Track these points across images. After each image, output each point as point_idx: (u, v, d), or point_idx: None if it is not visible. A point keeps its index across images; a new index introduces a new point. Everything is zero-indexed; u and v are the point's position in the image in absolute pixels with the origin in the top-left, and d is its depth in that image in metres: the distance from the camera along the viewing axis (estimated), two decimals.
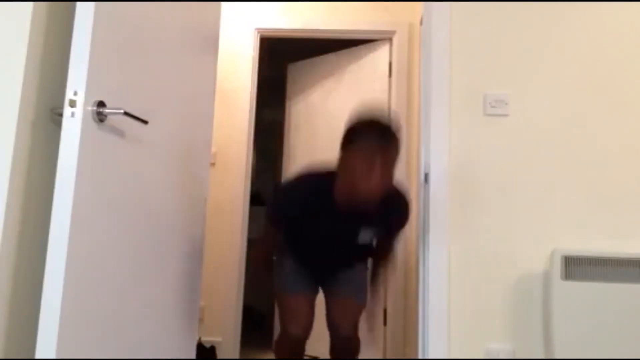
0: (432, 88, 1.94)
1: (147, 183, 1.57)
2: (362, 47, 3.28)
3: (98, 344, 1.33)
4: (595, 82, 1.94)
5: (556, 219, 1.87)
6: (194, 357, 2.02)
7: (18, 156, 1.32)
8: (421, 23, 2.45)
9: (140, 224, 1.53)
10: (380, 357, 2.93)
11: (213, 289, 2.85)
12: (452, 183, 1.91)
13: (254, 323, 3.65)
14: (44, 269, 1.17)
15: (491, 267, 1.87)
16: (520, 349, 1.83)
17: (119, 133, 1.39)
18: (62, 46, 1.39)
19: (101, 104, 1.28)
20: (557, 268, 1.77)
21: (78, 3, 1.25)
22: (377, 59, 3.21)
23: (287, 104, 3.63)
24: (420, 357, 1.90)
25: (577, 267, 1.76)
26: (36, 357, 1.15)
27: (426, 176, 1.96)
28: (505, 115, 1.94)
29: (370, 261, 2.09)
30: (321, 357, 2.91)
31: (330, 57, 3.41)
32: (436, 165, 1.91)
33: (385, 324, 2.96)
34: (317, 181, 1.80)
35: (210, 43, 2.08)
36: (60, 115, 1.25)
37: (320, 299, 2.05)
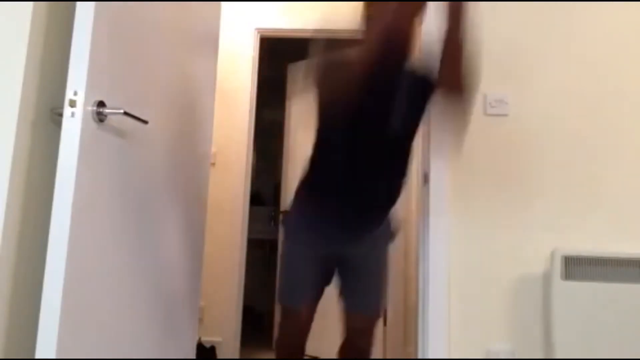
0: None
1: (147, 183, 1.57)
2: None
3: (98, 344, 1.33)
4: (595, 81, 1.94)
5: (556, 219, 1.87)
6: (194, 357, 2.02)
7: (18, 156, 1.32)
8: (421, 22, 2.44)
9: (140, 224, 1.53)
10: (380, 357, 2.93)
11: (213, 289, 2.84)
12: (452, 183, 1.91)
13: (254, 323, 3.65)
14: (44, 269, 1.17)
15: (491, 267, 1.87)
16: (520, 349, 1.83)
17: (119, 133, 1.39)
18: (62, 46, 1.39)
19: (101, 104, 1.28)
20: (557, 268, 1.77)
21: (78, 3, 1.25)
22: None
23: (287, 104, 3.62)
24: (420, 357, 1.90)
25: (577, 267, 1.76)
26: (36, 357, 1.15)
27: (426, 176, 1.96)
28: (505, 115, 1.94)
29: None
30: (321, 357, 2.91)
31: None
32: (436, 165, 1.91)
33: (385, 324, 2.96)
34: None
35: (210, 43, 2.08)
36: (60, 115, 1.25)
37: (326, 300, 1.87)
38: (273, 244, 3.65)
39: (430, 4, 1.56)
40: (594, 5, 1.96)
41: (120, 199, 1.41)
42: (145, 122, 1.43)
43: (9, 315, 1.30)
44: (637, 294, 1.73)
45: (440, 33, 1.55)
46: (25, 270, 1.34)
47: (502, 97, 1.94)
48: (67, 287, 1.17)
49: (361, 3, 1.73)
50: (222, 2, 2.20)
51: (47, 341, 1.15)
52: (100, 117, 1.28)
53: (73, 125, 1.22)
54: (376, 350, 2.93)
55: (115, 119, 1.34)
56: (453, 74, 1.55)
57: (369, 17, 1.66)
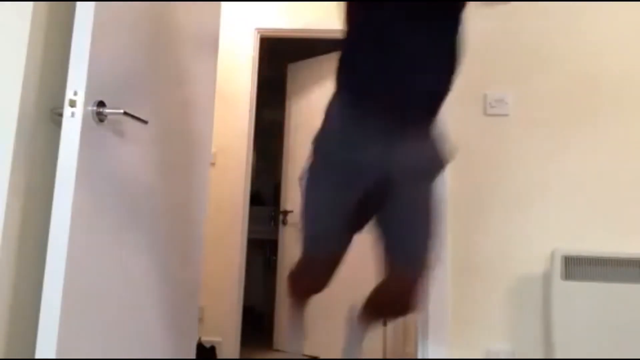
0: None
1: (147, 183, 1.57)
2: None
3: (98, 344, 1.33)
4: (595, 81, 1.94)
5: (556, 219, 1.87)
6: (194, 357, 2.02)
7: (18, 156, 1.32)
8: None
9: (140, 224, 1.53)
10: (380, 357, 2.93)
11: (213, 289, 2.84)
12: (451, 183, 1.91)
13: (254, 323, 3.65)
14: (44, 269, 1.17)
15: (491, 267, 1.87)
16: (520, 349, 1.83)
17: (119, 133, 1.39)
18: (62, 46, 1.39)
19: (101, 104, 1.28)
20: (557, 268, 1.77)
21: (78, 3, 1.25)
22: None
23: (287, 104, 3.62)
24: (420, 357, 1.90)
25: (577, 267, 1.76)
26: (36, 357, 1.15)
27: None
28: (505, 115, 1.94)
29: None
30: (321, 357, 2.91)
31: (330, 57, 3.41)
32: None
33: (385, 324, 2.96)
34: None
35: (210, 43, 2.08)
36: (60, 115, 1.25)
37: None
38: (273, 244, 3.65)
39: None
40: (594, 6, 1.97)
41: (120, 199, 1.41)
42: (145, 122, 1.43)
43: (9, 315, 1.30)
44: (637, 294, 1.73)
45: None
46: (25, 270, 1.34)
47: (502, 97, 1.94)
48: (67, 287, 1.18)
49: None
50: (222, 2, 2.20)
51: (47, 341, 1.15)
52: (100, 117, 1.28)
53: (73, 125, 1.22)
54: (376, 350, 2.94)
55: (115, 119, 1.34)
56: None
57: None
